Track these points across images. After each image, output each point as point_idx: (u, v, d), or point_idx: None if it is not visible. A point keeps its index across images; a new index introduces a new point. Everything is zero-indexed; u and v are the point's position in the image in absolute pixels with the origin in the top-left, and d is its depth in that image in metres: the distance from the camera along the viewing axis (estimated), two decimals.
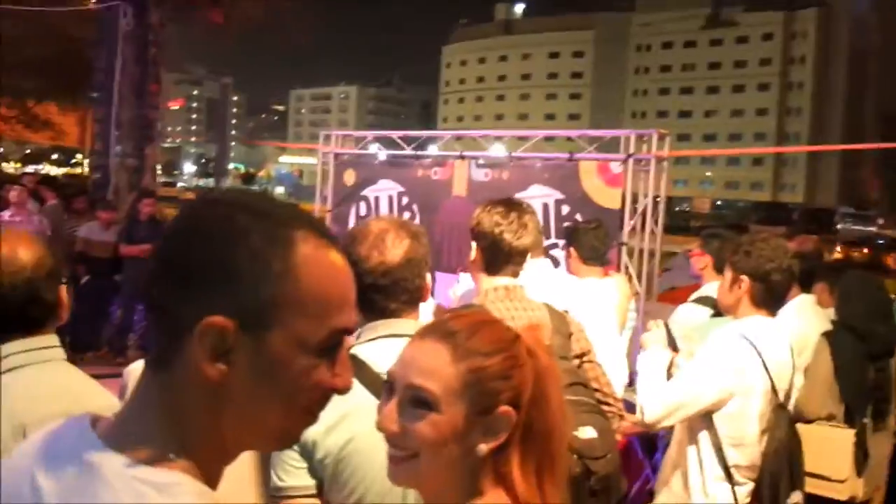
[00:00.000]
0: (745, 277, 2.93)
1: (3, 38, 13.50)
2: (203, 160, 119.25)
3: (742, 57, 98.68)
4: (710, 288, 4.06)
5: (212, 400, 0.88)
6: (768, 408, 2.83)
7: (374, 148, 8.86)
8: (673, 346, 3.26)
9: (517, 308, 2.62)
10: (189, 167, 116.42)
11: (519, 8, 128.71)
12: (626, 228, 6.37)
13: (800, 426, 3.73)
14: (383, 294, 1.93)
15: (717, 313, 3.76)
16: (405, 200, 7.95)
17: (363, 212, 8.23)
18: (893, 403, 3.79)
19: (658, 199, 6.51)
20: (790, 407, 3.70)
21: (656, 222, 6.45)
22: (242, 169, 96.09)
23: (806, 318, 4.38)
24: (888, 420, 3.75)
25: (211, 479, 0.91)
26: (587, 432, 2.40)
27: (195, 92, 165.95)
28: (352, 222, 8.28)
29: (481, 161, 7.51)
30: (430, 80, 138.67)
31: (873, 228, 38.16)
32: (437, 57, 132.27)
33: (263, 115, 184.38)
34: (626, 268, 6.34)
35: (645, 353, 3.17)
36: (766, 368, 2.81)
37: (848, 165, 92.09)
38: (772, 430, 2.81)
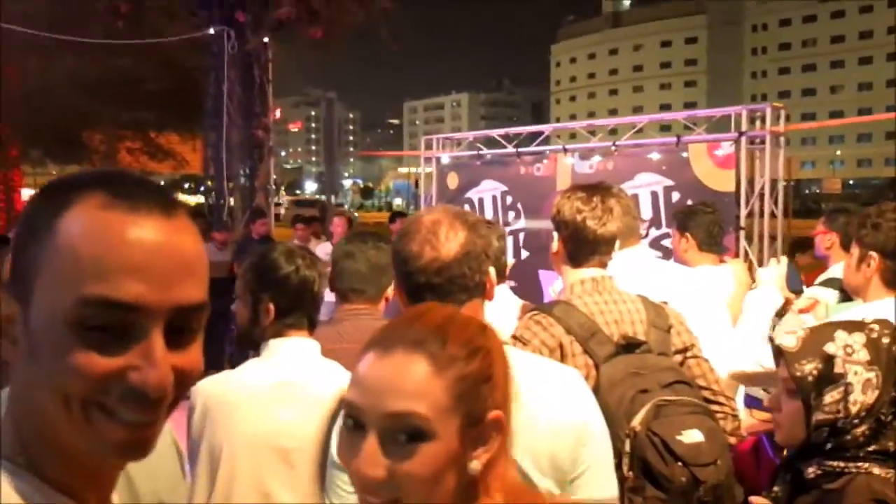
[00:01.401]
0: (874, 254, 2.58)
1: (122, 74, 14.17)
2: (323, 178, 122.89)
3: (867, 27, 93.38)
4: (838, 269, 3.67)
5: (20, 388, 0.80)
6: None
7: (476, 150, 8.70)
8: (796, 290, 2.93)
9: (607, 301, 2.38)
10: (311, 185, 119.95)
11: None
12: (743, 212, 5.96)
13: None
14: (439, 293, 1.73)
15: (847, 297, 3.38)
16: (509, 200, 7.76)
17: None
18: None
19: (777, 180, 6.08)
20: None
21: (776, 203, 6.01)
22: (361, 184, 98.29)
23: None
24: None
25: (75, 491, 0.80)
26: (692, 436, 2.13)
27: (313, 113, 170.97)
28: None
29: (584, 153, 7.23)
30: (540, 80, 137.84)
31: None
32: (546, 56, 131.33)
33: (379, 130, 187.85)
34: (746, 253, 5.93)
35: (754, 293, 2.87)
36: None
37: None
38: None
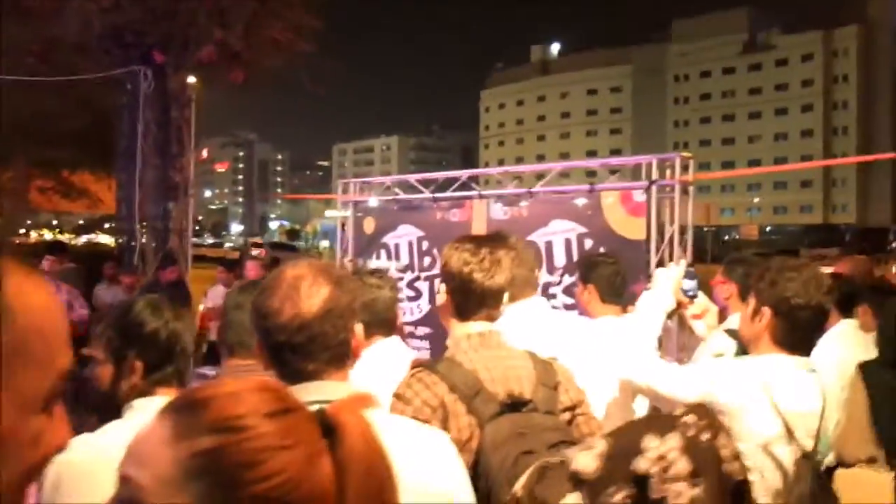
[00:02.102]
0: (766, 310, 2.57)
1: (36, 112, 13.76)
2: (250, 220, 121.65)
3: (783, 80, 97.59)
4: (737, 319, 3.68)
5: None
6: (788, 458, 2.45)
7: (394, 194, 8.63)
8: (691, 295, 2.92)
9: (494, 357, 2.30)
10: (236, 227, 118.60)
11: (554, 48, 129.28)
12: (654, 260, 6.01)
13: (841, 472, 3.32)
14: (300, 353, 1.64)
15: (745, 349, 3.39)
16: (425, 245, 7.70)
17: (384, 259, 7.99)
18: None
19: (685, 228, 6.16)
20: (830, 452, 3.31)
21: (685, 251, 6.08)
22: (288, 225, 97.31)
23: (848, 345, 3.98)
24: None
25: None
26: (572, 499, 2.06)
27: (241, 154, 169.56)
28: None
29: (500, 199, 7.23)
30: (470, 125, 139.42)
31: None
32: (476, 102, 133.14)
33: (308, 172, 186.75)
34: None
35: (648, 293, 2.85)
36: (780, 412, 2.44)
37: None
38: (793, 483, 2.42)
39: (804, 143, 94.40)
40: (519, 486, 2.02)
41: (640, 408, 3.83)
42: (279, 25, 11.43)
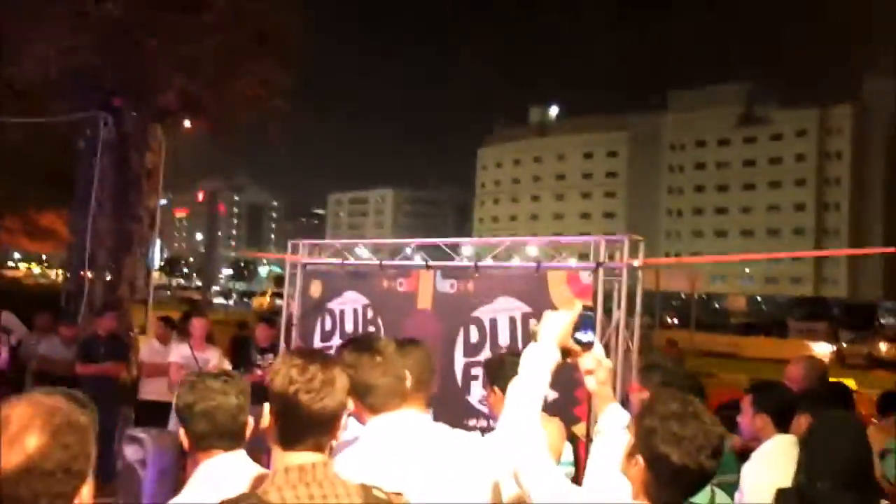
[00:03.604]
0: (640, 459, 2.17)
1: (4, 148, 13.48)
2: (241, 264, 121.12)
3: (777, 153, 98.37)
4: None
5: None
6: None
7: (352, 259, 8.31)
8: (586, 342, 2.46)
9: (313, 496, 1.94)
10: (226, 271, 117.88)
11: (553, 111, 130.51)
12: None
13: None
14: None
15: None
16: (370, 314, 7.36)
17: (328, 325, 7.65)
18: None
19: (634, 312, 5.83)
20: None
21: (632, 337, 5.73)
22: (278, 271, 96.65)
23: (779, 466, 3.60)
24: None
25: None
26: None
27: (236, 198, 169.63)
28: (317, 337, 7.68)
29: (447, 272, 6.91)
30: (466, 181, 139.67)
31: None
32: (473, 159, 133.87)
33: (304, 220, 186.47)
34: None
35: (532, 346, 2.46)
36: None
37: (892, 258, 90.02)
38: None
39: (797, 216, 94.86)
40: None
41: None
42: (249, 80, 11.18)
